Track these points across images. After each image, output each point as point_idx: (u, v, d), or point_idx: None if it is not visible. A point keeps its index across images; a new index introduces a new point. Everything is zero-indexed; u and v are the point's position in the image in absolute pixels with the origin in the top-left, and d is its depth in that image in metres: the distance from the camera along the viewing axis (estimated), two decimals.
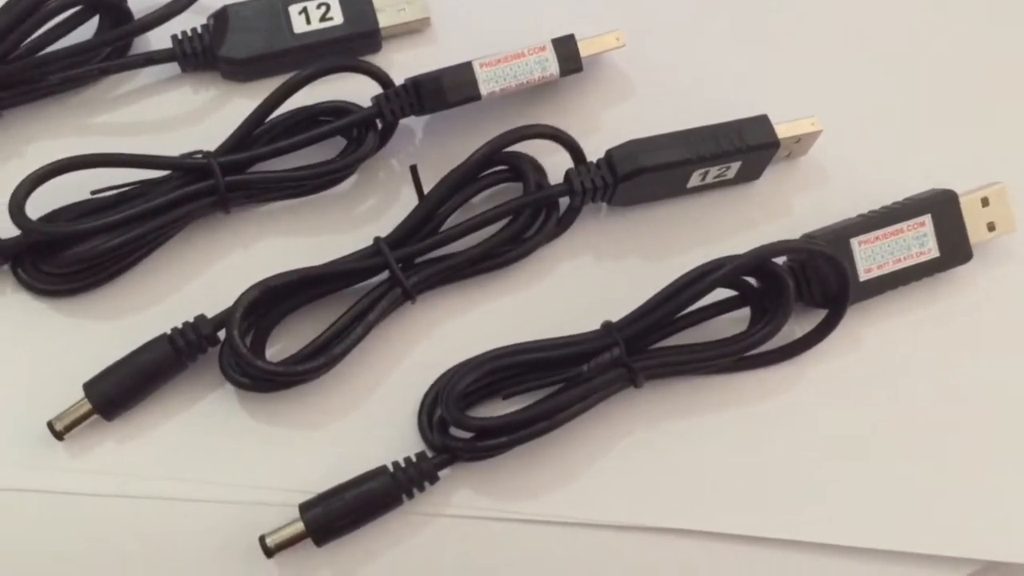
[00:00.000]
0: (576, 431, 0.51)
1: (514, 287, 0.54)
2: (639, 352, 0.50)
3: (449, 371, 0.50)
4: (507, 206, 0.52)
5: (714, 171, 0.53)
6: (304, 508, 0.47)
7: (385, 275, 0.51)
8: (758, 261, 0.50)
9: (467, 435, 0.48)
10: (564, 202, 0.54)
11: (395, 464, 0.49)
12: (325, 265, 0.51)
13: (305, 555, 0.48)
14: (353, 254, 0.52)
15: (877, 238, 0.52)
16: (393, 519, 0.49)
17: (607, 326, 0.50)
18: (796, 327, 0.52)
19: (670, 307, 0.50)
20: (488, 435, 0.48)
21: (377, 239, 0.52)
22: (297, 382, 0.50)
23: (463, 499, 0.50)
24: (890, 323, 0.54)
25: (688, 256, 0.52)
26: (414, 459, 0.49)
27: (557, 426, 0.48)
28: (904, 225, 0.52)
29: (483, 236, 0.53)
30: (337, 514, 0.47)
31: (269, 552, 0.47)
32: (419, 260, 0.52)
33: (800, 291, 0.51)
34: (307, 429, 0.51)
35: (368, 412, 0.51)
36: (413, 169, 0.54)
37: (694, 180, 0.54)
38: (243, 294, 0.49)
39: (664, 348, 0.51)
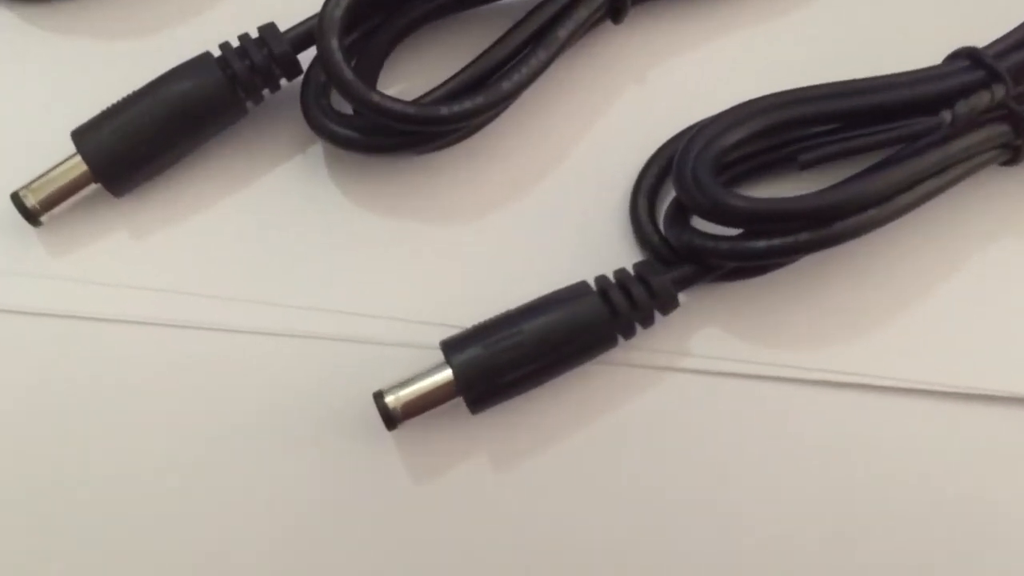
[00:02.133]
0: (894, 240, 0.30)
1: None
2: None
3: (698, 125, 0.30)
4: None
5: None
6: (450, 348, 0.28)
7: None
8: None
9: (723, 233, 0.28)
10: None
11: (602, 280, 0.29)
12: None
13: (447, 428, 0.29)
14: None
15: None
16: (594, 374, 0.29)
17: (970, 53, 0.29)
18: None
19: None
20: (774, 225, 0.27)
21: None
22: (436, 138, 0.30)
23: (713, 344, 0.30)
24: None
25: None
26: (632, 272, 0.29)
27: (893, 217, 0.28)
28: None
29: None
30: (508, 359, 0.27)
31: (392, 419, 0.28)
32: None
33: None
34: (445, 226, 0.31)
35: (544, 200, 0.31)
36: None
37: None
38: None
39: None
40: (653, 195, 0.30)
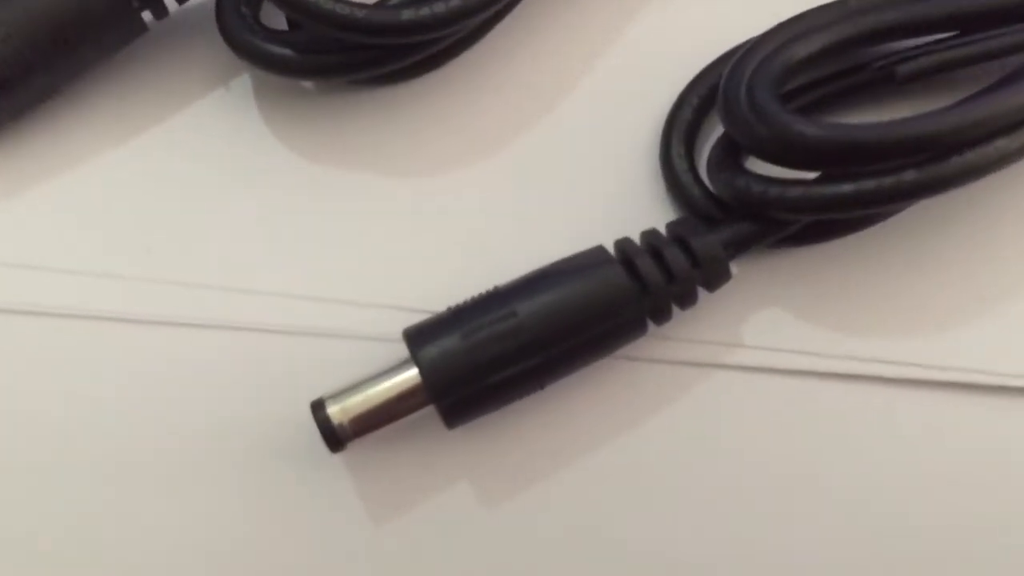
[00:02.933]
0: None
1: None
2: None
3: (750, 42, 0.22)
4: None
5: None
6: (417, 338, 0.20)
7: None
8: None
9: (793, 177, 0.21)
10: None
11: (625, 244, 0.21)
12: None
13: (415, 450, 0.21)
14: None
15: None
16: (616, 373, 0.22)
17: None
18: None
19: None
20: (865, 162, 0.19)
21: None
22: (401, 56, 0.22)
23: (775, 332, 0.22)
24: None
25: None
26: (666, 233, 0.21)
27: None
28: None
29: None
30: (497, 353, 0.20)
31: (337, 438, 0.20)
32: None
33: None
34: (416, 181, 0.23)
35: (546, 146, 0.23)
36: None
37: None
38: None
39: None
40: (692, 135, 0.23)
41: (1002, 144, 0.19)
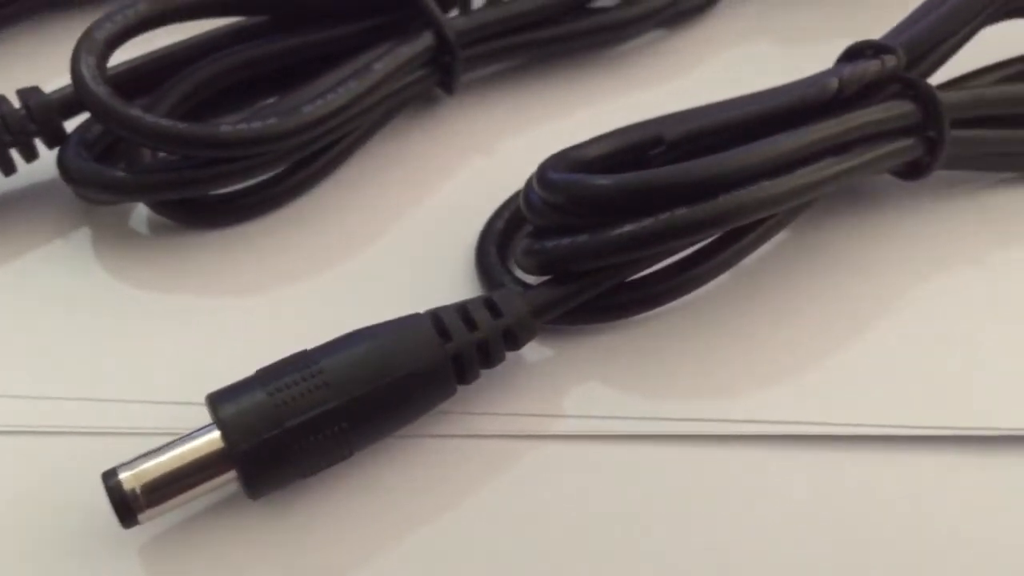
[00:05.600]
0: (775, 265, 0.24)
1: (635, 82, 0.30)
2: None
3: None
4: None
5: None
6: (220, 400, 0.20)
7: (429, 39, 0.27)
8: None
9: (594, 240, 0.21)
10: None
11: (439, 312, 0.21)
12: None
13: (217, 526, 0.20)
14: None
15: None
16: (433, 449, 0.21)
17: (863, 47, 0.25)
18: None
19: (967, 11, 0.25)
20: (647, 204, 0.21)
21: None
22: (227, 177, 0.24)
23: (592, 401, 0.22)
24: None
25: None
26: (481, 303, 0.21)
27: (791, 196, 0.21)
28: None
29: None
30: (302, 410, 0.19)
31: (129, 508, 0.18)
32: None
33: None
34: (237, 299, 0.24)
35: (368, 269, 0.25)
36: None
37: None
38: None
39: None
40: (504, 242, 0.24)
41: (767, 186, 0.21)
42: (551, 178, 0.22)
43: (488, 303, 0.21)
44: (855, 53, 0.25)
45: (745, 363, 0.23)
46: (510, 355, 0.22)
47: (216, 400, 0.20)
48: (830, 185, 0.22)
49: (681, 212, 0.21)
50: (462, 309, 0.21)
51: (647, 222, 0.21)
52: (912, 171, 0.24)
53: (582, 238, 0.21)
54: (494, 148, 0.28)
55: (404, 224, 0.26)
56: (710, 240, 0.23)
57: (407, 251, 0.25)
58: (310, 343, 0.21)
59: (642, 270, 0.22)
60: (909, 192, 0.26)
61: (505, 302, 0.21)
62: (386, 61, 0.25)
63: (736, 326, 0.23)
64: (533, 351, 0.23)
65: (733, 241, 0.23)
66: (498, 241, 0.24)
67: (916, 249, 0.25)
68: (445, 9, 0.29)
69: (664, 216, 0.21)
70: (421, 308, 0.22)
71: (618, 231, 0.21)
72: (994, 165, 0.26)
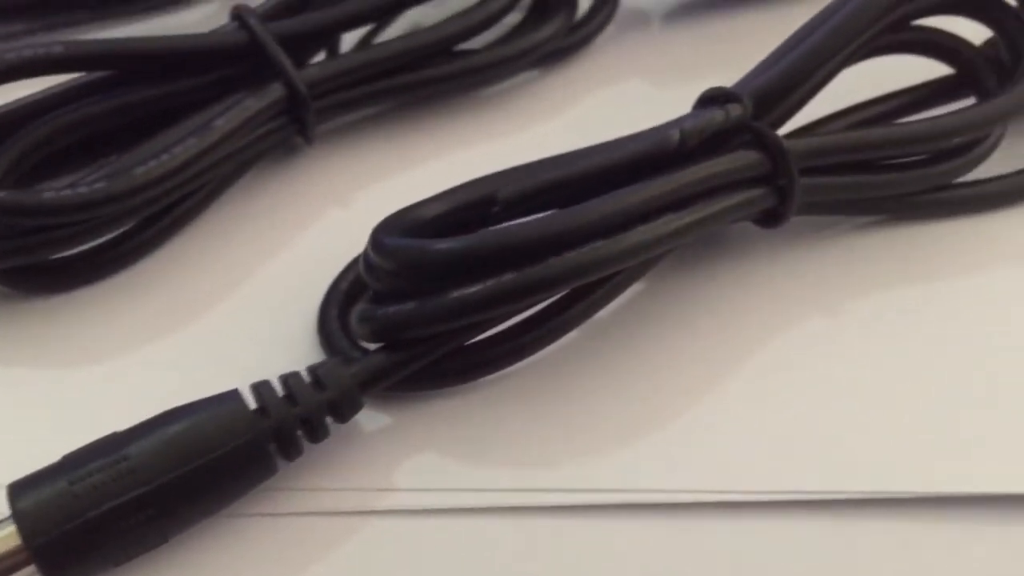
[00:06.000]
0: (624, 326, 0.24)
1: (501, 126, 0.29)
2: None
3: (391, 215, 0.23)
4: None
5: None
6: (19, 491, 0.19)
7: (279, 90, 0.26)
8: None
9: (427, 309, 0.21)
10: None
11: (260, 385, 0.20)
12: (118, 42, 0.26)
13: None
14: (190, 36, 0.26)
15: None
16: (257, 529, 0.20)
17: (714, 94, 0.24)
18: None
19: (818, 57, 0.24)
20: (477, 271, 0.20)
21: (240, 6, 0.27)
22: (54, 244, 0.23)
23: (429, 474, 0.21)
24: None
25: None
26: (307, 374, 0.21)
27: (627, 255, 0.21)
28: None
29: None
30: (106, 496, 0.18)
31: None
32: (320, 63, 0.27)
33: None
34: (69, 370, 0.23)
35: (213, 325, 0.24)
36: None
37: None
38: None
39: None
40: (348, 304, 0.23)
41: (600, 247, 0.20)
42: (384, 243, 0.21)
43: (314, 374, 0.20)
44: (708, 100, 0.24)
45: (590, 427, 0.22)
46: (347, 424, 0.21)
47: (15, 491, 0.19)
48: (673, 241, 0.22)
49: (509, 278, 0.20)
50: (284, 382, 0.20)
51: (474, 289, 0.20)
52: (768, 219, 0.24)
53: (409, 306, 0.20)
54: (353, 200, 0.27)
55: (252, 285, 0.25)
56: (556, 297, 0.22)
57: (253, 314, 0.24)
58: (138, 417, 0.20)
59: (481, 333, 0.22)
60: (769, 239, 0.25)
61: (329, 374, 0.20)
62: (228, 117, 0.25)
63: (584, 386, 0.22)
64: (370, 419, 0.22)
65: (581, 298, 0.22)
66: (341, 304, 0.23)
67: (775, 299, 0.24)
68: (313, 54, 0.28)
69: (491, 283, 0.20)
70: (265, 375, 0.21)
71: (445, 299, 0.20)
72: (852, 210, 0.25)
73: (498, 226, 0.21)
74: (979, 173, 0.26)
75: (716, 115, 0.22)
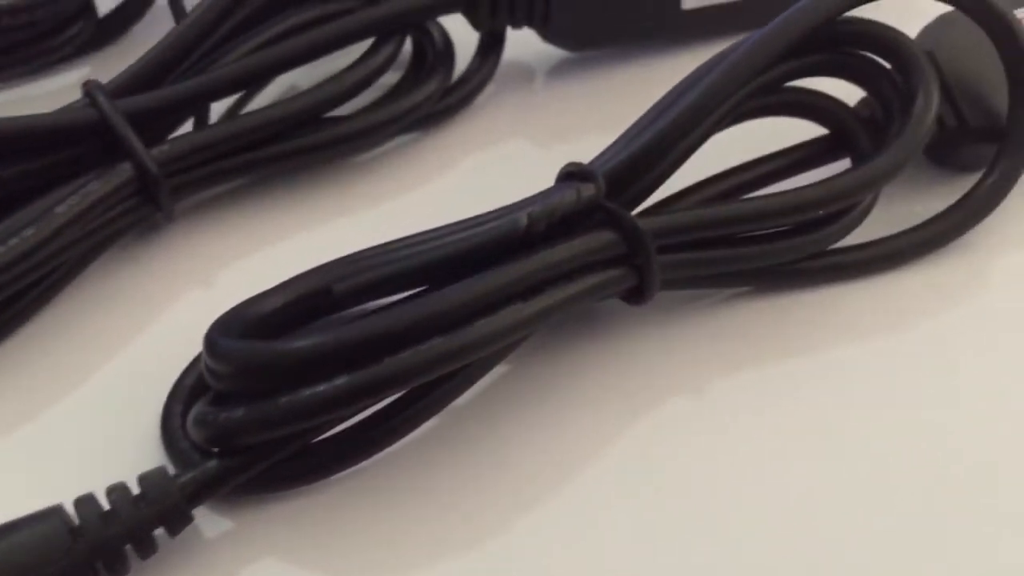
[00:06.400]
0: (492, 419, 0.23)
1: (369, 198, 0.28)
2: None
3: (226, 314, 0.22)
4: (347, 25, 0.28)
5: None
6: None
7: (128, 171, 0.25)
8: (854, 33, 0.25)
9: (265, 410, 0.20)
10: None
11: (83, 501, 0.19)
12: None
13: None
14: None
15: None
16: None
17: (571, 171, 0.23)
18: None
19: (678, 131, 0.24)
20: (313, 373, 0.19)
21: (90, 82, 0.26)
22: None
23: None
24: None
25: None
26: (136, 485, 0.20)
27: (471, 350, 0.20)
28: None
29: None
30: None
31: None
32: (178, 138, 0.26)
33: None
34: None
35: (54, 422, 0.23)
36: None
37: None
38: None
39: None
40: (193, 401, 0.22)
41: (439, 343, 0.20)
42: (218, 344, 0.20)
43: (141, 485, 0.19)
44: (566, 176, 0.23)
45: (443, 528, 0.21)
46: (184, 533, 0.20)
47: None
48: (521, 331, 0.21)
49: (343, 381, 0.19)
50: (109, 495, 0.19)
51: (306, 394, 0.19)
52: (631, 297, 0.23)
53: (239, 412, 0.19)
54: (216, 278, 0.26)
55: (98, 379, 0.24)
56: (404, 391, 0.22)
57: (94, 413, 0.23)
58: None
59: (324, 432, 0.21)
60: (640, 313, 0.25)
61: (155, 487, 0.19)
62: (70, 203, 0.24)
63: (439, 483, 0.22)
64: (211, 524, 0.21)
65: (433, 389, 0.22)
66: (186, 401, 0.22)
67: (640, 378, 0.24)
68: (175, 128, 0.27)
69: (322, 387, 0.19)
70: (106, 480, 0.20)
71: (275, 404, 0.19)
72: (720, 283, 0.24)
73: (337, 323, 0.20)
74: (857, 237, 0.26)
75: (567, 196, 0.22)
